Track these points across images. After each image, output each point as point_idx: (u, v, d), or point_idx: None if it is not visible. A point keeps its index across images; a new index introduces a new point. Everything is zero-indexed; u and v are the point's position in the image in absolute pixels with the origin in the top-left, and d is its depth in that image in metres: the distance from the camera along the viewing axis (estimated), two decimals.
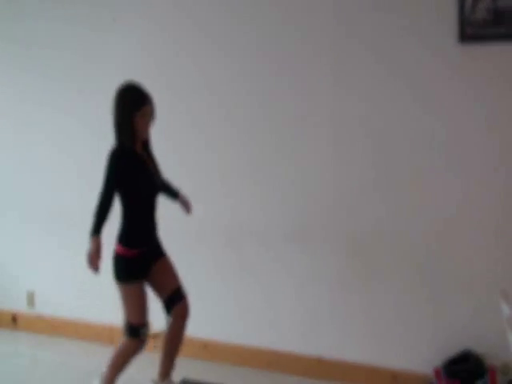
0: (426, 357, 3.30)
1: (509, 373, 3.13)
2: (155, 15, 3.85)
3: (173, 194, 3.23)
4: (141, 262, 2.89)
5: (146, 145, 2.99)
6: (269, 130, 3.62)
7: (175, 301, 3.02)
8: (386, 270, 3.40)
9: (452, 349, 3.23)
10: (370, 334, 3.45)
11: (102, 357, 3.21)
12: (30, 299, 4.37)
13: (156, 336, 3.62)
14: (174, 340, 3.07)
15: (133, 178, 2.83)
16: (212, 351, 3.82)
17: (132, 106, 2.82)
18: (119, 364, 2.96)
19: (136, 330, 2.88)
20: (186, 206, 3.26)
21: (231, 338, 3.79)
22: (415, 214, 3.31)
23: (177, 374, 3.32)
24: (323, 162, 3.50)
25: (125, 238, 2.87)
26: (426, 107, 3.24)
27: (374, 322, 3.44)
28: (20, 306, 4.41)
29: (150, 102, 2.88)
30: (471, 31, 3.13)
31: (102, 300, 4.03)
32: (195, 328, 3.79)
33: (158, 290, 3.05)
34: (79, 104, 4.09)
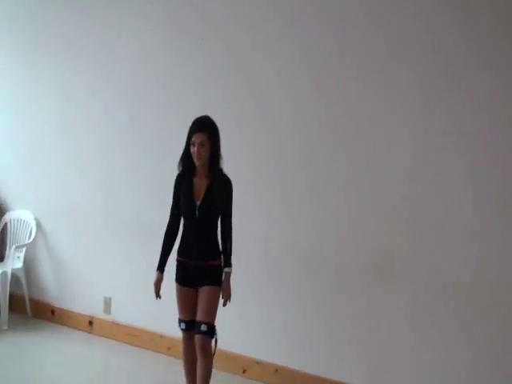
0: None
1: None
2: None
3: (224, 259, 3.26)
4: (183, 269, 3.23)
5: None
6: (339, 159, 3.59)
7: (195, 330, 3.19)
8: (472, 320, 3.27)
9: None
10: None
11: (173, 369, 3.25)
12: (107, 305, 4.49)
13: None
14: (199, 368, 3.23)
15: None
16: (283, 377, 3.80)
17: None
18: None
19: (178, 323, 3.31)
20: (224, 292, 3.22)
21: (301, 365, 3.74)
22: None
23: None
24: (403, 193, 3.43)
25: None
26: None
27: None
28: (97, 311, 4.54)
29: None
30: None
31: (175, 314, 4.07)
32: (267, 352, 3.83)
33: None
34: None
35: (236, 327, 3.90)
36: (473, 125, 3.23)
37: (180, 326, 3.29)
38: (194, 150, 3.13)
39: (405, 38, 3.38)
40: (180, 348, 3.38)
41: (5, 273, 4.57)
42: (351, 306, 3.62)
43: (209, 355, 3.18)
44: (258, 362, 3.88)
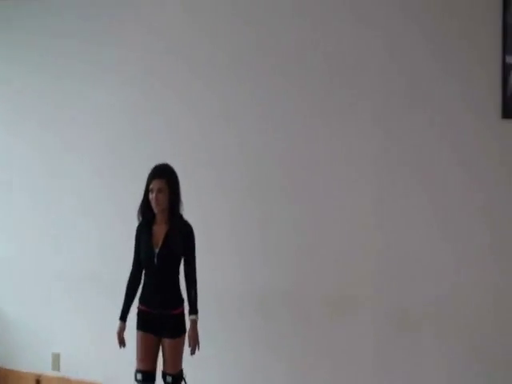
0: None
1: None
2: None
3: (189, 306, 3.22)
4: (145, 317, 3.19)
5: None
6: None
7: (163, 380, 3.21)
8: (435, 352, 3.28)
9: None
10: None
11: None
12: (55, 361, 4.24)
13: None
14: None
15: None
16: None
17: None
18: None
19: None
20: (192, 340, 3.16)
21: None
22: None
23: None
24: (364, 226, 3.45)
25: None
26: (468, 174, 3.23)
27: None
28: (44, 368, 4.27)
29: None
30: None
31: (131, 367, 3.87)
32: None
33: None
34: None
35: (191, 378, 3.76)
36: (434, 153, 3.30)
37: (136, 377, 3.18)
38: (152, 196, 3.15)
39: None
40: None
41: None
42: (312, 345, 3.56)
43: None
44: None
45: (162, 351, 3.20)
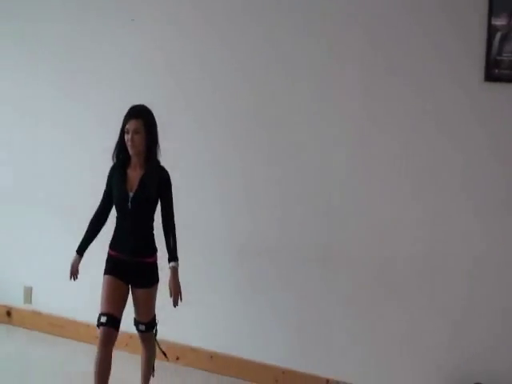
0: None
1: None
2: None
3: (168, 253, 3.08)
4: (115, 263, 3.07)
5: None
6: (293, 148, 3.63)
7: (136, 328, 3.19)
8: (400, 295, 3.44)
9: (463, 382, 3.28)
10: (378, 360, 3.49)
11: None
12: (27, 295, 4.27)
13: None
14: (144, 365, 3.34)
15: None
16: (218, 363, 3.81)
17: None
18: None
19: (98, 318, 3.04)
20: (173, 290, 3.02)
21: (237, 351, 3.77)
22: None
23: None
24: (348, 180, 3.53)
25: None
26: (450, 139, 3.29)
27: (384, 349, 3.48)
28: (16, 301, 4.30)
29: None
30: (497, 72, 3.19)
31: None
32: (204, 339, 3.81)
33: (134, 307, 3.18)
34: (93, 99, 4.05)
35: (169, 315, 3.84)
36: (416, 116, 3.34)
37: (100, 319, 2.97)
38: (127, 137, 2.99)
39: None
40: None
41: None
42: (287, 291, 3.68)
43: (152, 345, 3.24)
44: (193, 349, 3.87)
45: (134, 301, 3.10)
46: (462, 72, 3.23)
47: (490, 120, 3.20)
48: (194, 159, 3.85)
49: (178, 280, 3.02)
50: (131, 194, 3.01)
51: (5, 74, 4.38)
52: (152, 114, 3.07)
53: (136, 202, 3.01)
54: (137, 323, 3.15)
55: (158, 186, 3.03)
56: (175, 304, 3.00)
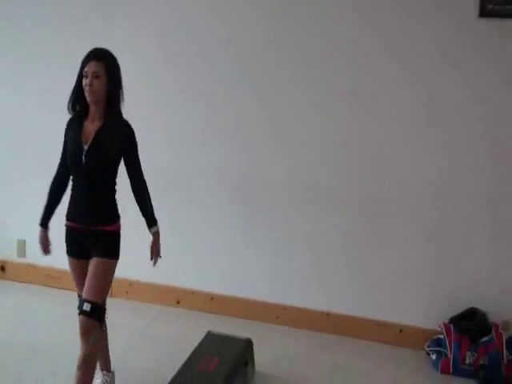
0: (431, 313, 3.54)
1: (509, 329, 3.35)
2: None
3: (146, 219, 2.73)
4: (73, 237, 2.70)
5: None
6: (285, 89, 3.63)
7: (78, 309, 2.59)
8: (394, 228, 3.56)
9: (456, 307, 3.46)
10: (377, 290, 3.63)
11: None
12: (21, 248, 4.22)
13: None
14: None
15: None
16: (219, 304, 3.88)
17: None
18: None
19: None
20: (154, 253, 2.74)
21: (238, 291, 3.85)
22: (421, 176, 3.47)
23: (185, 326, 3.50)
24: (338, 122, 3.58)
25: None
26: (450, 70, 3.37)
27: (382, 279, 3.62)
28: (9, 255, 4.26)
29: None
30: (491, 8, 3.26)
31: None
32: (202, 281, 3.87)
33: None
34: None
35: (167, 259, 3.87)
36: (418, 50, 3.41)
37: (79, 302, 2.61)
38: (85, 81, 2.57)
39: None
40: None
41: None
42: (281, 230, 3.76)
43: (90, 343, 2.53)
44: (193, 292, 3.92)
45: (88, 273, 2.62)
46: (458, 8, 3.28)
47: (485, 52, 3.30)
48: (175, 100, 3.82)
49: (159, 245, 2.75)
50: (85, 147, 2.59)
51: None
52: (115, 58, 2.67)
53: (91, 156, 2.58)
54: (81, 302, 2.57)
55: (119, 141, 2.61)
56: (155, 264, 2.75)
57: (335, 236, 3.65)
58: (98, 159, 2.59)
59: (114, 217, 2.70)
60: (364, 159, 3.55)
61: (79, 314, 2.56)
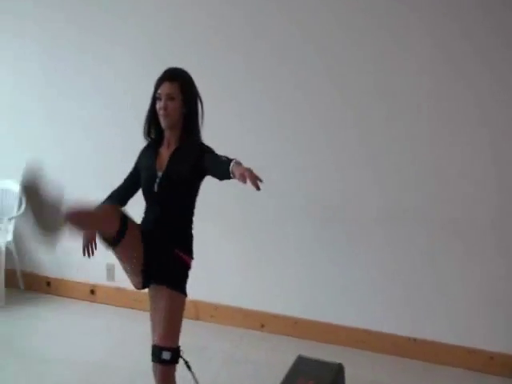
0: None
1: None
2: None
3: (226, 170, 2.16)
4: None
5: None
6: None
7: (155, 359, 2.39)
8: (483, 251, 3.52)
9: None
10: (464, 315, 3.59)
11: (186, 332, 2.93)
12: (110, 272, 4.40)
13: None
14: None
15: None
16: (303, 329, 3.92)
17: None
18: None
19: None
20: (246, 174, 2.03)
21: (322, 316, 3.88)
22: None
23: (271, 350, 3.57)
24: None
25: None
26: None
27: (471, 303, 3.57)
28: (99, 279, 4.45)
29: None
30: None
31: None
32: (287, 306, 3.93)
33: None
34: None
35: (250, 284, 4.00)
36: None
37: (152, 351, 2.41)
38: (160, 105, 2.40)
39: None
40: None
41: None
42: (365, 254, 3.78)
43: None
44: (277, 316, 3.98)
45: (154, 309, 2.46)
46: None
47: None
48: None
49: (243, 166, 2.10)
50: (160, 174, 2.43)
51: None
52: (190, 77, 2.46)
53: (165, 182, 2.40)
54: (158, 350, 2.34)
55: (195, 164, 2.36)
56: (256, 186, 1.98)
57: (420, 260, 3.65)
58: (172, 186, 2.41)
59: (190, 248, 2.48)
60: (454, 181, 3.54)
61: (156, 362, 2.35)
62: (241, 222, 4.01)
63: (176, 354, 2.37)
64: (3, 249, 4.38)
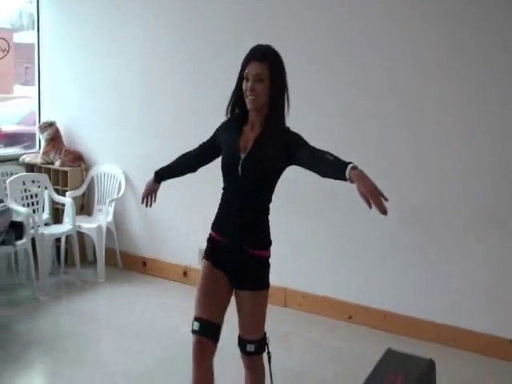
0: None
1: None
2: None
3: (337, 171, 2.06)
4: (216, 248, 2.39)
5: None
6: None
7: (240, 349, 2.44)
8: None
9: None
10: None
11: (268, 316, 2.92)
12: (202, 256, 4.52)
13: None
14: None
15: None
16: (391, 322, 3.87)
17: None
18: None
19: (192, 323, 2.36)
20: (367, 192, 1.93)
21: (412, 311, 3.80)
22: None
23: (358, 341, 3.58)
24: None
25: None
26: None
27: None
28: (191, 262, 4.58)
29: None
30: None
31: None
32: (376, 298, 3.90)
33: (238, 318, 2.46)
34: None
35: (339, 274, 3.99)
36: None
37: (193, 326, 2.32)
38: (246, 85, 2.23)
39: None
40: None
41: (100, 226, 4.62)
42: (458, 252, 3.66)
43: (260, 372, 2.47)
44: (366, 308, 3.95)
45: (239, 309, 2.38)
46: None
47: None
48: None
49: (368, 179, 1.96)
50: (243, 156, 2.29)
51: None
52: (280, 58, 2.30)
53: (249, 165, 2.28)
54: (243, 342, 2.39)
55: (280, 151, 2.24)
56: (382, 210, 1.90)
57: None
58: (256, 170, 2.29)
59: (268, 241, 2.39)
60: None
61: (242, 352, 2.40)
62: (334, 212, 4.00)
63: (261, 344, 2.39)
64: (104, 229, 4.65)
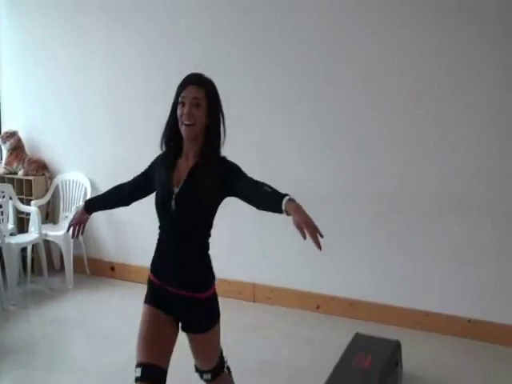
0: None
1: None
2: None
3: (274, 202, 1.98)
4: (157, 292, 2.23)
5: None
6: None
7: (199, 376, 2.41)
8: None
9: None
10: None
11: (240, 311, 3.08)
12: None
13: None
14: None
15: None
16: (358, 310, 4.05)
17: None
18: None
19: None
20: (307, 227, 1.93)
21: (376, 297, 4.00)
22: None
23: (327, 330, 3.66)
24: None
25: None
26: None
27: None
28: None
29: None
30: None
31: (244, 259, 4.29)
32: (342, 287, 4.07)
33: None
34: None
35: (305, 266, 4.15)
36: None
37: (135, 373, 2.11)
38: (182, 110, 2.11)
39: None
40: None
41: (66, 234, 4.60)
42: (429, 237, 3.85)
43: None
44: (332, 298, 4.12)
45: (191, 347, 2.28)
46: None
47: None
48: None
49: (304, 212, 1.94)
50: (176, 190, 2.15)
51: None
52: (215, 86, 2.19)
53: (183, 200, 2.13)
54: (199, 372, 2.36)
55: (217, 182, 2.11)
56: (318, 244, 1.94)
57: (482, 246, 3.71)
58: (190, 205, 2.14)
59: (211, 280, 2.24)
60: None
61: (201, 379, 2.36)
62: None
63: (217, 369, 2.36)
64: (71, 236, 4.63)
